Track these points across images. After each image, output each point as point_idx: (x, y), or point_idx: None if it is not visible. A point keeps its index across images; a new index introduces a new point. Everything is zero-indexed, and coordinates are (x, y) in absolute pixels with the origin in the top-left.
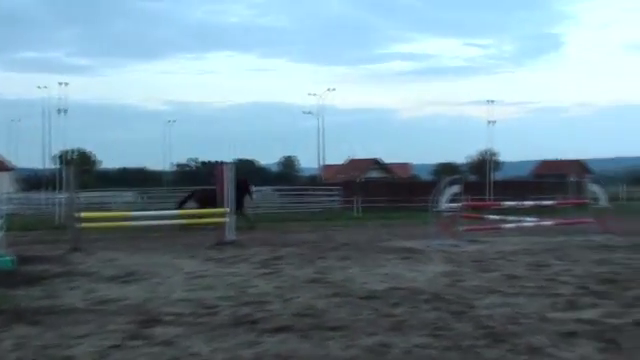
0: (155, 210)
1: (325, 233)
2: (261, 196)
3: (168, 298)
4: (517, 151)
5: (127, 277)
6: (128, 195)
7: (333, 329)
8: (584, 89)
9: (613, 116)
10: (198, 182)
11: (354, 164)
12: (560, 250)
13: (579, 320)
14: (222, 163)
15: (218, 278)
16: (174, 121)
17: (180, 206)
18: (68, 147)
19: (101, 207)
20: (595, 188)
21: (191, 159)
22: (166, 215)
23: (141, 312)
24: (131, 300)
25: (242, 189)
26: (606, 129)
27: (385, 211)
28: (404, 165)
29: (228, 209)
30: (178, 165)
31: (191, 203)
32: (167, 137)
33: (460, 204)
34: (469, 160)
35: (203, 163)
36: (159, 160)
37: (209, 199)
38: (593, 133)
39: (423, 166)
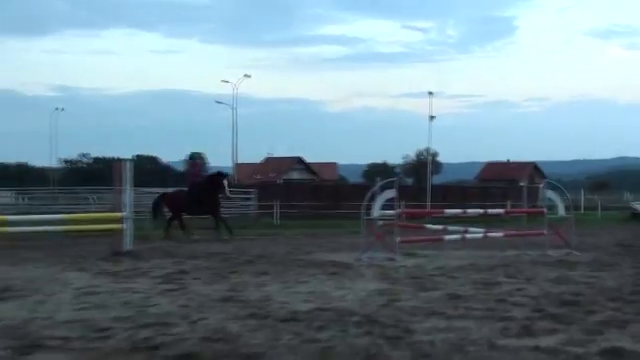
0: (39, 214)
1: (238, 243)
2: None
3: (52, 319)
4: (460, 151)
5: (2, 294)
6: (6, 195)
7: (248, 357)
8: (538, 81)
9: (571, 113)
10: (91, 182)
11: (273, 163)
12: (511, 266)
13: (535, 348)
14: (119, 160)
15: (112, 295)
16: (62, 109)
17: (156, 213)
18: None
19: None
20: (551, 195)
21: (82, 154)
22: (52, 220)
23: (19, 336)
24: (7, 321)
25: (216, 186)
26: (563, 128)
27: (308, 218)
28: (330, 165)
29: (125, 213)
30: (67, 161)
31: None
32: (54, 128)
33: (396, 211)
34: (405, 161)
35: (96, 160)
36: (44, 155)
37: (180, 202)
38: (548, 132)
39: (352, 167)
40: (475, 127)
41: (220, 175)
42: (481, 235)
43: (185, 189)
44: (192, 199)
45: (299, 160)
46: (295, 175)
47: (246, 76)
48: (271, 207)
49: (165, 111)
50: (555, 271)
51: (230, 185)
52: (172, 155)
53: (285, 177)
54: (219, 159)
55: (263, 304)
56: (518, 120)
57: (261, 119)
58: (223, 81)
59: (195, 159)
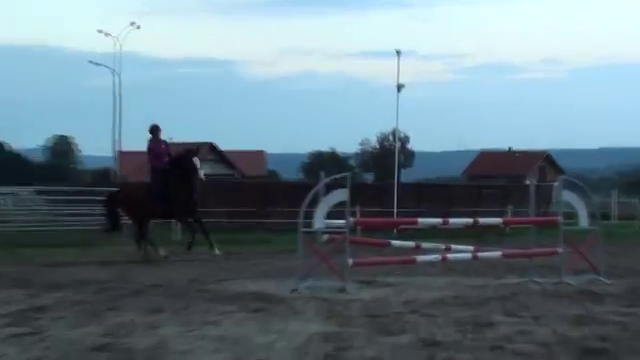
0: None
1: (122, 267)
2: (14, 201)
3: None
4: (441, 136)
5: None
6: None
7: None
8: (551, 37)
9: (597, 82)
10: None
11: (173, 152)
12: (512, 299)
13: None
14: None
15: None
16: None
17: (113, 222)
18: None
19: None
20: (569, 197)
21: None
22: None
23: None
24: None
25: (188, 171)
26: (586, 103)
27: (224, 231)
28: (256, 155)
29: None
30: None
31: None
32: None
33: (348, 221)
34: (363, 149)
35: None
36: None
37: (140, 201)
38: (565, 109)
39: (287, 157)
40: (462, 101)
41: (190, 153)
42: (469, 255)
43: (132, 184)
44: (156, 194)
45: (211, 147)
46: (205, 169)
47: (134, 26)
48: None
49: (15, 77)
50: (574, 306)
51: (114, 180)
52: (26, 139)
53: None
54: (94, 145)
55: (154, 354)
56: (523, 92)
57: (155, 88)
58: (101, 33)
59: (158, 133)
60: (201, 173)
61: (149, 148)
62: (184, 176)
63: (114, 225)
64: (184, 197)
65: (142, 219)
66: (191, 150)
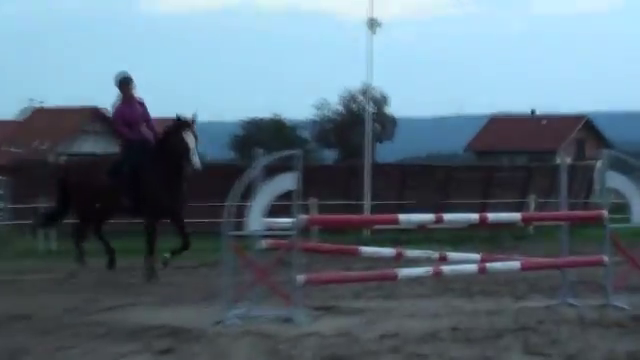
0: None
1: None
2: None
3: None
4: (433, 95)
5: None
6: None
7: None
8: None
9: None
10: None
11: (41, 121)
12: (537, 330)
13: None
14: None
15: None
16: None
17: (52, 216)
18: None
19: None
20: (619, 182)
21: None
22: None
23: None
24: None
25: (173, 151)
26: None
27: (119, 234)
28: (161, 125)
29: None
30: None
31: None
32: None
33: (297, 219)
34: (321, 114)
35: None
36: None
37: (99, 186)
38: (612, 57)
39: (209, 127)
40: (463, 47)
41: (180, 124)
42: (474, 266)
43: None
44: (124, 181)
45: (94, 113)
46: (89, 144)
47: None
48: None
49: None
50: (626, 339)
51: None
52: None
53: (70, 150)
54: None
55: None
56: (549, 32)
57: (19, 31)
58: None
59: (129, 88)
60: (195, 159)
61: (116, 111)
62: (168, 160)
63: (53, 217)
64: (163, 191)
65: (99, 215)
66: (181, 122)
